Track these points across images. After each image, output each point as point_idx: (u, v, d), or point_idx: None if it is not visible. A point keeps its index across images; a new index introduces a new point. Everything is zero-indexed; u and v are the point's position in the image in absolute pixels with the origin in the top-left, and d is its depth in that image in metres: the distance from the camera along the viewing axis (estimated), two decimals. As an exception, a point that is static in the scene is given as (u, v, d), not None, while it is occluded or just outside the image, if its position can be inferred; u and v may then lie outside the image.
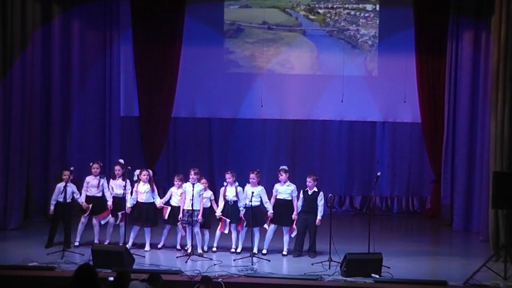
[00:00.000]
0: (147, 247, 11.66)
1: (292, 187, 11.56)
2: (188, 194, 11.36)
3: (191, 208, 11.30)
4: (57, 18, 13.96)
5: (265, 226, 11.52)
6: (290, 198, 11.51)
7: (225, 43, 15.58)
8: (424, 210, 15.46)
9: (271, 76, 15.52)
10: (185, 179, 11.63)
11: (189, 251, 11.22)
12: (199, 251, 11.41)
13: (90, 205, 11.69)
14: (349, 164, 15.70)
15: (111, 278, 8.51)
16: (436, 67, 14.76)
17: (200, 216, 11.40)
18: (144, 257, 11.16)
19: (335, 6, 15.50)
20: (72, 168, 11.81)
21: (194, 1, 15.28)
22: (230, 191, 11.58)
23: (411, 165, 15.65)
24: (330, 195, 11.30)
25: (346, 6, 15.49)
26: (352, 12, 15.53)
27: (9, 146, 12.96)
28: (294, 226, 11.46)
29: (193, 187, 11.30)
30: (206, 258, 11.13)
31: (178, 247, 11.67)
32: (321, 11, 15.53)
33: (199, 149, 15.72)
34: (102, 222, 11.81)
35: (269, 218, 11.46)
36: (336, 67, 15.38)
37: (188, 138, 15.73)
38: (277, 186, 11.62)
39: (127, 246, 11.18)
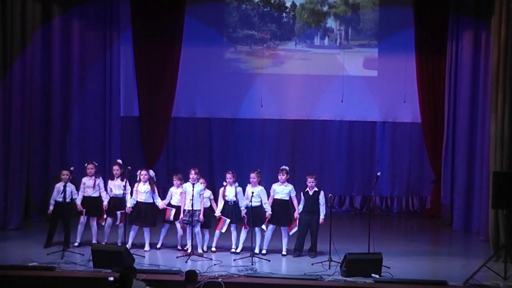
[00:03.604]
0: (147, 247, 11.65)
1: (290, 187, 11.53)
2: (188, 194, 11.36)
3: (191, 208, 11.31)
4: (57, 18, 13.96)
5: (263, 227, 11.51)
6: (287, 198, 11.49)
7: (225, 42, 15.58)
8: (424, 210, 15.45)
9: (271, 76, 15.51)
10: (185, 179, 11.63)
11: (189, 251, 11.23)
12: (199, 251, 11.41)
13: (84, 210, 11.65)
14: (349, 164, 15.69)
15: (111, 278, 8.53)
16: (436, 67, 14.75)
17: (201, 216, 11.41)
18: (144, 257, 11.15)
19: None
20: (72, 168, 11.81)
21: (195, 1, 15.27)
22: (229, 191, 11.56)
23: (411, 165, 15.64)
24: (330, 195, 11.30)
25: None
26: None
27: (9, 146, 12.95)
28: (295, 224, 11.46)
29: (193, 187, 11.30)
30: (206, 258, 11.13)
31: (179, 247, 11.67)
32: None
33: (199, 149, 15.70)
34: (103, 224, 11.79)
35: (267, 219, 11.44)
36: (337, 67, 15.38)
37: (188, 138, 15.72)
38: (274, 186, 11.58)
39: (127, 246, 11.19)
